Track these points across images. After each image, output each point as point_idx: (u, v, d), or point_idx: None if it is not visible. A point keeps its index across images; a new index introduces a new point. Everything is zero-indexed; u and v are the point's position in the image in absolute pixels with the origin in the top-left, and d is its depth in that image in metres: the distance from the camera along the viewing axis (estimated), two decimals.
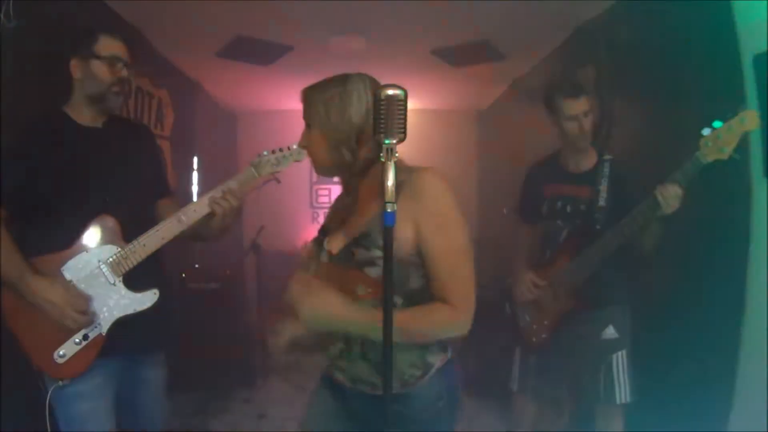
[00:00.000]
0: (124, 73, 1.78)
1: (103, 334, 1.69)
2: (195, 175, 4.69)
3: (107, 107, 1.80)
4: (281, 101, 5.84)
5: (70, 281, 1.66)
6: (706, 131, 1.82)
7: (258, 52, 3.99)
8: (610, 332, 2.20)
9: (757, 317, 1.97)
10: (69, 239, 1.69)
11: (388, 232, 1.05)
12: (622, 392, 2.17)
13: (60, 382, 1.64)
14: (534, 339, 2.29)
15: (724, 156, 1.80)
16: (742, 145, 1.82)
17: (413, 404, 1.34)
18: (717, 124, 1.81)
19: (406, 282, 1.31)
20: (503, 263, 4.07)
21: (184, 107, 4.32)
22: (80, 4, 2.50)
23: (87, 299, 1.66)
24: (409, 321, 1.26)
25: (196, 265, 4.28)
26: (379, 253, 1.25)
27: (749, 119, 1.78)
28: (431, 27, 3.55)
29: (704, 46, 2.17)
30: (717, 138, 1.80)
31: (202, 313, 3.81)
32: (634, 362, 2.21)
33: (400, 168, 1.08)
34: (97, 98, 1.77)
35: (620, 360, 2.18)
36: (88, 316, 1.65)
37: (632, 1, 2.73)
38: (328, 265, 1.38)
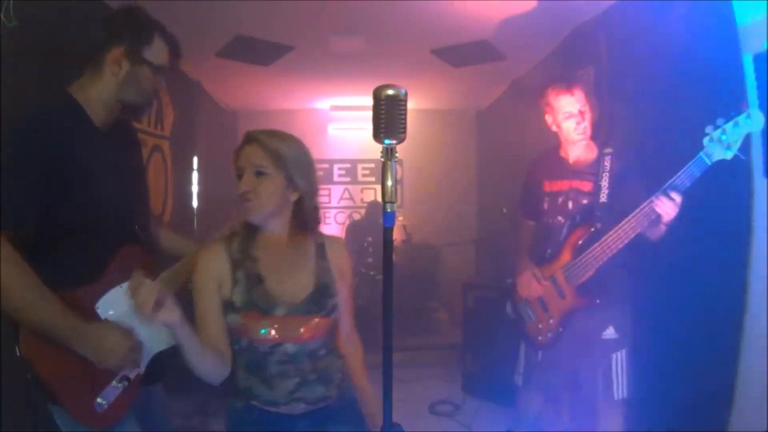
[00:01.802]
0: (162, 86, 1.59)
1: (141, 373, 1.54)
2: (195, 175, 4.69)
3: (135, 116, 1.63)
4: (281, 101, 5.84)
5: (106, 320, 1.48)
6: (709, 129, 1.79)
7: (258, 52, 3.99)
8: (610, 333, 2.20)
9: (757, 317, 1.97)
10: (95, 271, 1.48)
11: (387, 233, 1.06)
12: (620, 389, 2.18)
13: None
14: (540, 338, 2.28)
15: (728, 156, 1.77)
16: (744, 145, 1.81)
17: (350, 401, 1.63)
18: (720, 121, 1.78)
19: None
20: (503, 263, 4.07)
21: (184, 107, 4.32)
22: (80, 4, 2.50)
23: (138, 339, 1.49)
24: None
25: None
26: (336, 299, 1.54)
27: (755, 118, 1.73)
28: (431, 27, 3.54)
29: (704, 46, 2.17)
30: (721, 136, 1.77)
31: None
32: (635, 362, 2.21)
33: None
34: (131, 106, 1.56)
35: (619, 359, 2.19)
36: (140, 355, 1.50)
37: (632, 1, 2.73)
38: (288, 318, 1.48)
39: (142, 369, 1.55)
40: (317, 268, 1.54)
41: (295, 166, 1.47)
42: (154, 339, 1.56)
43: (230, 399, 1.57)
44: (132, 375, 1.51)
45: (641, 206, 1.95)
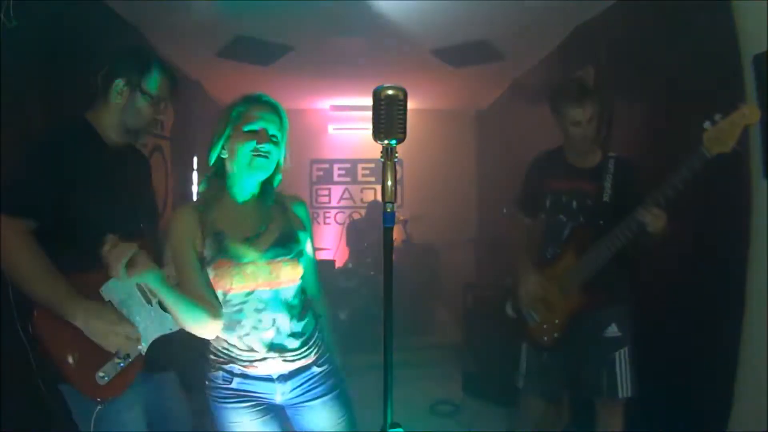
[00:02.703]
0: (163, 116, 1.82)
1: (143, 355, 1.67)
2: (195, 175, 4.69)
3: (137, 138, 1.83)
4: (281, 101, 5.82)
5: (109, 302, 1.64)
6: (707, 124, 1.83)
7: (258, 52, 3.99)
8: (613, 330, 2.20)
9: (757, 317, 1.97)
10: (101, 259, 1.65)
11: (387, 233, 1.06)
12: (625, 387, 2.17)
13: (99, 406, 1.59)
14: (545, 338, 2.27)
15: (727, 149, 1.81)
16: (743, 142, 1.82)
17: (332, 371, 1.71)
18: (717, 117, 1.81)
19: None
20: (503, 263, 4.07)
21: (184, 107, 4.32)
22: (80, 4, 2.50)
23: (134, 323, 1.65)
24: None
25: None
26: (302, 246, 1.65)
27: (750, 113, 1.78)
28: (431, 27, 3.55)
29: (704, 46, 2.17)
30: (719, 131, 1.80)
31: None
32: (635, 362, 2.21)
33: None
34: (132, 131, 1.79)
35: (623, 357, 2.19)
36: (135, 340, 1.64)
37: (632, 1, 2.73)
38: (257, 263, 1.57)
39: (144, 349, 1.66)
40: (280, 219, 1.65)
41: (286, 139, 1.64)
42: (155, 323, 1.69)
43: (210, 371, 1.63)
44: (133, 354, 1.63)
45: (623, 222, 2.00)
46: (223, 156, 1.60)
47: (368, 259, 5.25)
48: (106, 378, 1.58)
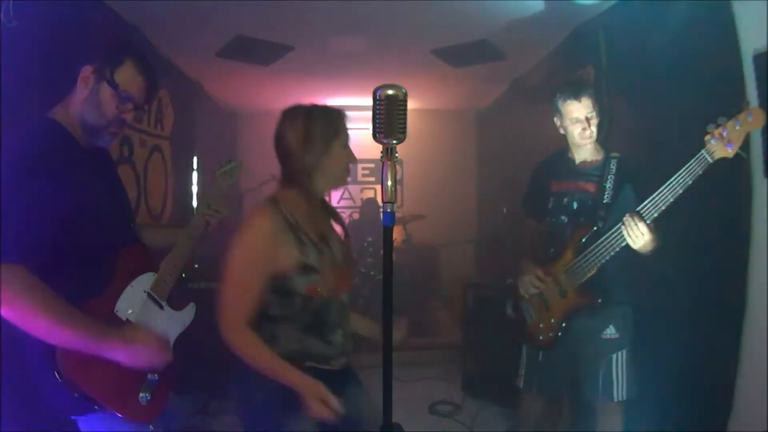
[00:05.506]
0: (129, 117, 1.56)
1: (170, 360, 1.62)
2: (195, 175, 4.69)
3: (96, 139, 1.55)
4: (281, 101, 5.81)
5: (127, 320, 1.55)
6: (710, 127, 1.80)
7: (258, 52, 3.99)
8: (611, 332, 2.20)
9: (757, 317, 1.97)
10: (104, 278, 1.53)
11: (387, 232, 1.06)
12: (620, 390, 2.18)
13: (151, 426, 1.55)
14: (541, 337, 2.28)
15: (730, 154, 1.78)
16: (745, 144, 1.81)
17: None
18: (722, 120, 1.78)
19: None
20: (503, 263, 4.07)
21: (184, 107, 4.32)
22: (80, 4, 2.50)
23: (161, 332, 1.60)
24: None
25: (196, 266, 4.27)
26: None
27: (756, 117, 1.75)
28: (431, 27, 3.55)
29: (704, 46, 2.17)
30: (722, 134, 1.77)
31: (202, 313, 3.80)
32: (635, 362, 2.21)
33: None
34: (90, 129, 1.53)
35: (620, 359, 2.19)
36: (169, 350, 1.60)
37: (632, 1, 2.73)
38: (342, 270, 1.69)
39: (170, 357, 1.62)
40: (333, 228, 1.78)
41: None
42: (172, 326, 1.70)
43: (266, 383, 1.56)
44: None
45: (623, 223, 2.00)
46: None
47: (368, 259, 5.25)
48: (149, 397, 1.54)
